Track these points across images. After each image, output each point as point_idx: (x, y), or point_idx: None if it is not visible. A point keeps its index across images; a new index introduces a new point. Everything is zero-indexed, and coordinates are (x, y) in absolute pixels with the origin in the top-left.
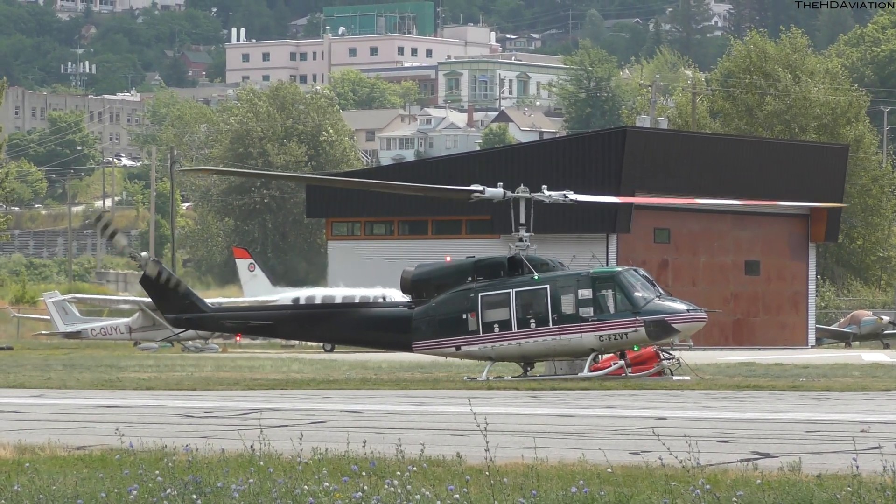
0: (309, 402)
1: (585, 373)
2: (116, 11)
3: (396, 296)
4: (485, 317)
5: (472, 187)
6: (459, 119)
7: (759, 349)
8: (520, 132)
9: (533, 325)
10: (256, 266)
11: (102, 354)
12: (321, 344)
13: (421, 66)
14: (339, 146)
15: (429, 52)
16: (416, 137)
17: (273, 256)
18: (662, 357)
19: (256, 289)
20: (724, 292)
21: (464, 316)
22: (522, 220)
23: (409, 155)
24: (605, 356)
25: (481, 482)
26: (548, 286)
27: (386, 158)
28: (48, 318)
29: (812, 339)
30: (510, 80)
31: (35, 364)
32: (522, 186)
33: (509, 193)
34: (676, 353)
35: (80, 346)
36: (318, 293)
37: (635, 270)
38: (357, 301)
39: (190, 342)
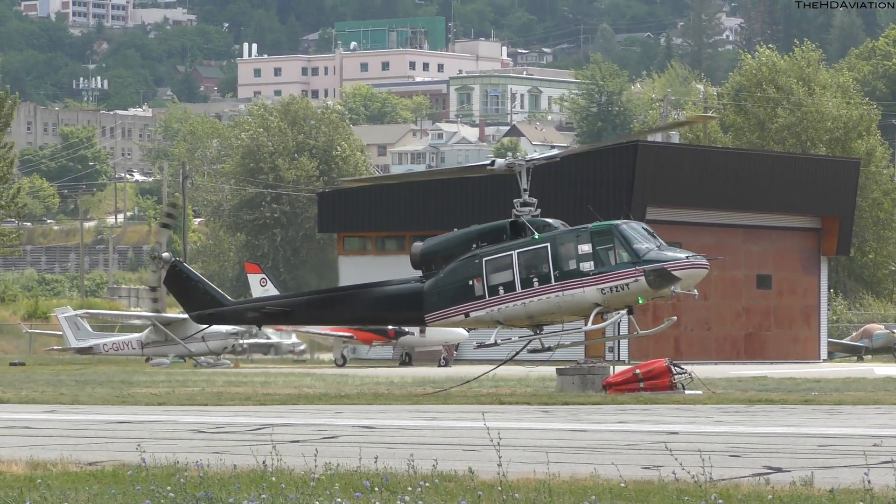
0: (321, 417)
1: (589, 326)
2: (128, 27)
3: None
4: (490, 281)
5: (485, 161)
6: (471, 133)
7: (771, 363)
8: (531, 146)
9: (536, 285)
10: (268, 281)
11: (114, 370)
12: (334, 361)
13: (432, 81)
14: (351, 161)
15: (440, 67)
16: (428, 152)
17: (285, 271)
18: (675, 371)
19: None
20: (735, 306)
21: (470, 282)
22: (525, 186)
23: (420, 169)
24: (619, 369)
25: (493, 497)
26: (548, 244)
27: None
28: (60, 333)
29: (824, 353)
30: (521, 95)
31: (47, 379)
32: (522, 154)
33: (513, 160)
34: (688, 368)
35: (92, 361)
36: None
37: (634, 222)
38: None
39: (202, 357)
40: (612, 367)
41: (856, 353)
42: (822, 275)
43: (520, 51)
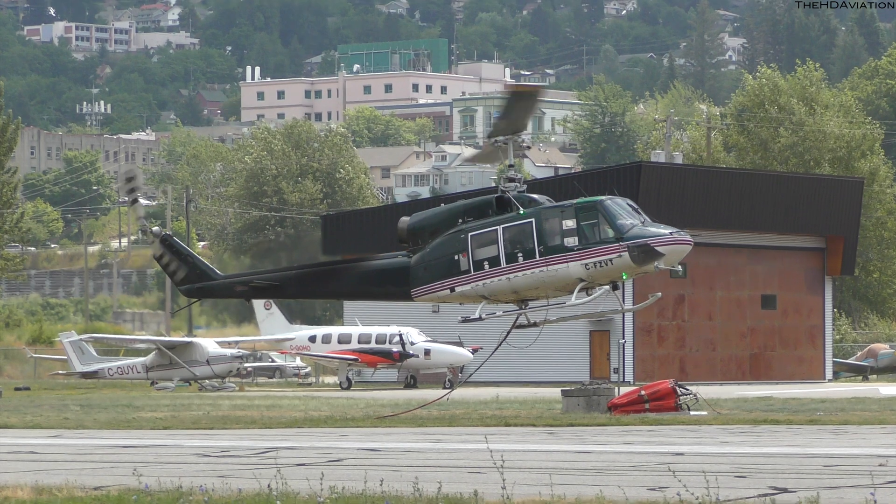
0: (326, 440)
1: (573, 301)
2: (131, 51)
3: (412, 333)
4: (475, 256)
5: (492, 140)
6: None
7: (777, 383)
8: (535, 168)
9: (521, 260)
10: (273, 304)
11: (119, 394)
12: (338, 382)
13: (435, 103)
14: (355, 183)
15: (443, 89)
16: (432, 174)
17: None
18: (680, 393)
19: (273, 326)
20: (740, 327)
21: (456, 257)
22: (511, 162)
23: (424, 192)
24: (625, 390)
25: None
26: (533, 220)
27: (401, 195)
28: (65, 358)
29: (829, 373)
30: None
31: (52, 404)
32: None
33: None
34: (694, 389)
35: (97, 385)
36: (334, 331)
37: (619, 198)
38: (374, 337)
39: (206, 381)
40: (617, 388)
41: (861, 372)
42: (826, 295)
43: (523, 72)
